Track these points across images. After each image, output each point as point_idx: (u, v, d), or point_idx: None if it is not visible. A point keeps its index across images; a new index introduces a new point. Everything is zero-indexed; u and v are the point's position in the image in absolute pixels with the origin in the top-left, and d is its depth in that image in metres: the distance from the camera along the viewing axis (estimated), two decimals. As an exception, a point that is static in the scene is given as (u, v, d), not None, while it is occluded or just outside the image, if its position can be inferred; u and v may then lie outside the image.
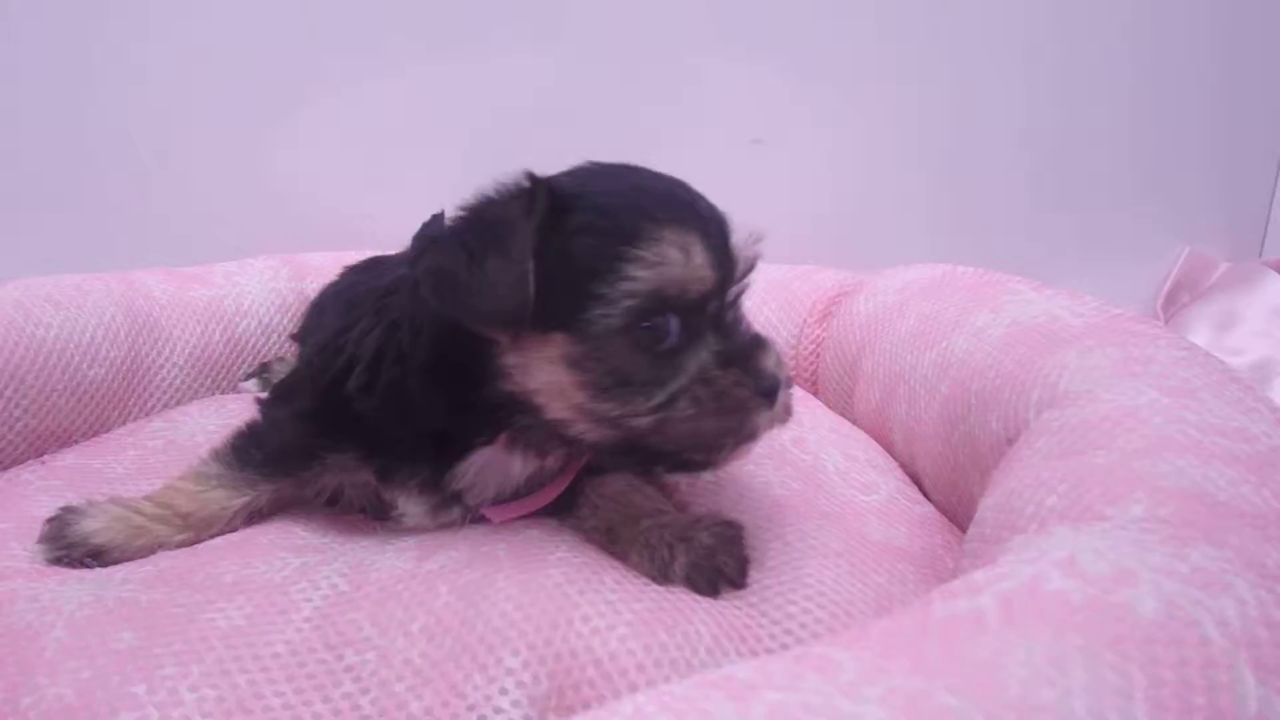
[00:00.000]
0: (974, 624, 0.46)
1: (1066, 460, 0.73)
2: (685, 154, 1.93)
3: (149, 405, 1.43)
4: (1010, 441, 0.88)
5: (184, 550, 0.95)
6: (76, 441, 1.30)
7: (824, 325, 1.56)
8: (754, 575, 0.86)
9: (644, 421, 0.82)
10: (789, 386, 0.86)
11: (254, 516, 1.01)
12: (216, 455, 1.02)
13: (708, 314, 0.84)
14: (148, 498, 0.98)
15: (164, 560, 0.92)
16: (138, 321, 1.41)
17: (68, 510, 0.94)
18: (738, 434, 0.84)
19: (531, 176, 0.83)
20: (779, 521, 0.94)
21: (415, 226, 1.10)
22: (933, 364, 1.16)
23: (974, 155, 1.96)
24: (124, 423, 1.38)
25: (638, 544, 0.88)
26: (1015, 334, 1.04)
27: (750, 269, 0.88)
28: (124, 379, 1.38)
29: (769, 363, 0.84)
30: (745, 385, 0.82)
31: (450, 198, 0.88)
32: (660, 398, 0.81)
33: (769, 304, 1.63)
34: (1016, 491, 0.73)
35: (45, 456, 1.20)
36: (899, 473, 1.16)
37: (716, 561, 0.85)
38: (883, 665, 0.43)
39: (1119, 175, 2.00)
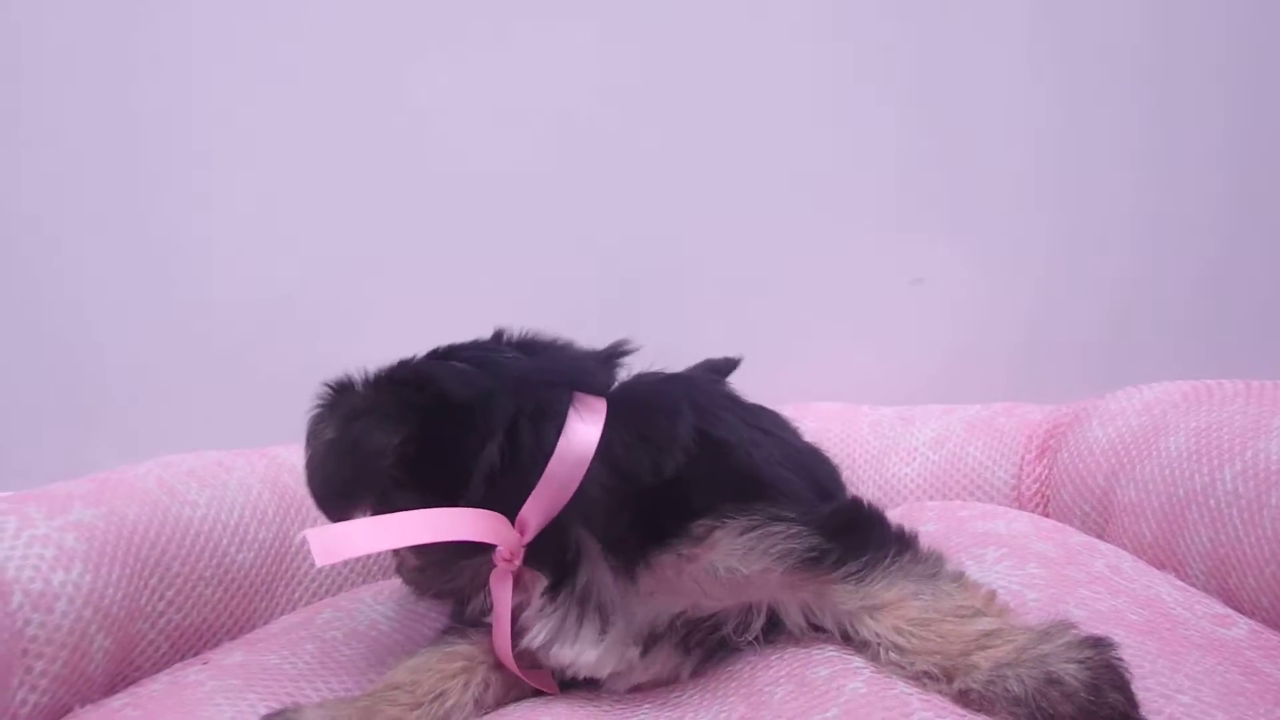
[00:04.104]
0: None
1: None
2: (845, 296, 1.88)
3: (294, 596, 1.25)
4: None
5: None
6: (220, 640, 1.12)
7: (1044, 461, 1.37)
8: (1167, 710, 0.66)
9: None
10: None
11: (487, 691, 0.83)
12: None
13: None
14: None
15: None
16: (284, 500, 1.26)
17: (274, 715, 0.76)
18: None
19: None
20: (1155, 651, 0.73)
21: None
22: (1238, 477, 0.99)
23: (1147, 282, 1.81)
24: (269, 617, 1.20)
25: (1001, 697, 0.68)
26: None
27: None
28: (271, 565, 1.21)
29: None
30: None
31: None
32: None
33: (974, 443, 1.46)
34: None
35: (206, 655, 1.02)
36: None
37: (1107, 700, 0.65)
38: None
39: None
